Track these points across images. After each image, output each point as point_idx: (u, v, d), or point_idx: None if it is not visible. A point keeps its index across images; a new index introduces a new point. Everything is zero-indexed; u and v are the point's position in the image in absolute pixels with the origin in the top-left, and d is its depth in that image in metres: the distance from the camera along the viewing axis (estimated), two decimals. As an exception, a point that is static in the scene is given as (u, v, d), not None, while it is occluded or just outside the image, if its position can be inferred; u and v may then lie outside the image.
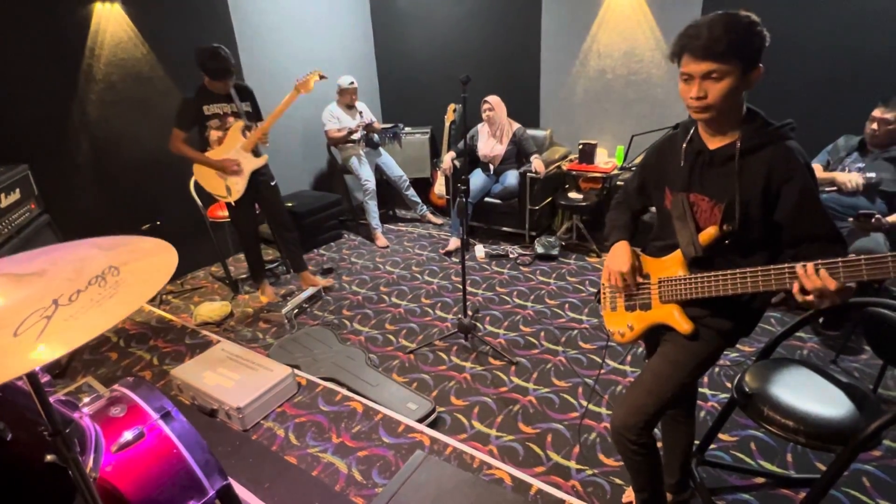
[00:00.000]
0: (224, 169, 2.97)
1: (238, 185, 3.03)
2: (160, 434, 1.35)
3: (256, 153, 3.08)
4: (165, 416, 1.39)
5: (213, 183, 3.06)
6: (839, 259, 1.02)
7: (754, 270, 1.16)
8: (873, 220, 2.42)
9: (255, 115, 3.11)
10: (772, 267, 1.13)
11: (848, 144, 2.74)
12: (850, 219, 2.50)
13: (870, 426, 1.27)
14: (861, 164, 2.62)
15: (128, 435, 1.30)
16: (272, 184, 3.21)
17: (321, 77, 3.08)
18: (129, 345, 2.98)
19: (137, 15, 3.33)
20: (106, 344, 3.00)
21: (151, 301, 3.52)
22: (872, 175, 2.55)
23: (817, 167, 2.79)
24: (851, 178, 2.57)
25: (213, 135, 2.98)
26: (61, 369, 2.73)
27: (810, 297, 1.06)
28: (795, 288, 1.08)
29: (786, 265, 1.10)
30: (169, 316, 3.30)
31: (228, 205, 3.11)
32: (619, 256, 1.46)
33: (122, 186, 3.45)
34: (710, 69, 1.12)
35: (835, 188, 2.63)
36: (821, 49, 3.23)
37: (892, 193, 2.54)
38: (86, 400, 1.42)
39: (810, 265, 1.05)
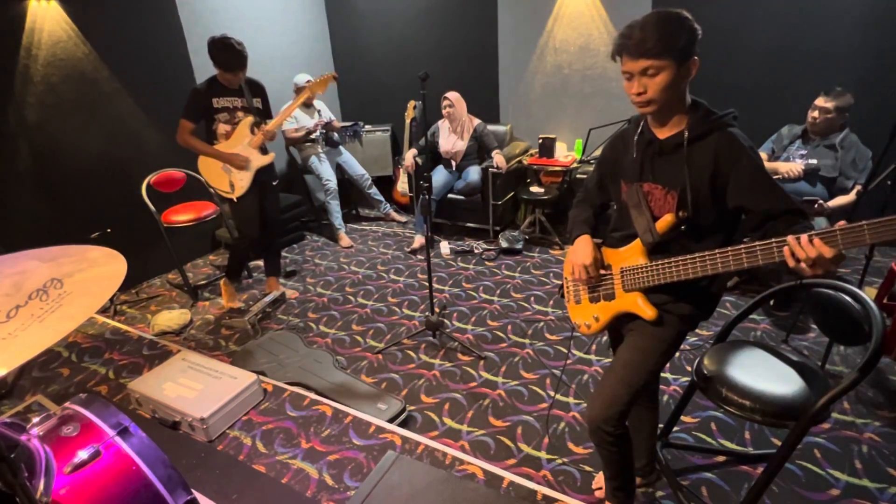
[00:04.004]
0: (231, 163, 2.89)
1: (242, 182, 2.94)
2: (118, 451, 1.29)
3: (264, 151, 3.00)
4: (123, 431, 1.33)
5: (217, 178, 2.97)
6: (835, 228, 1.02)
7: (736, 249, 1.16)
8: (816, 205, 2.55)
9: (265, 112, 3.03)
10: (757, 243, 1.13)
11: (791, 133, 2.87)
12: (795, 205, 2.62)
13: (819, 401, 1.33)
14: (803, 152, 2.76)
15: (82, 454, 1.24)
16: (274, 183, 3.14)
17: (335, 79, 3.05)
18: (81, 359, 2.84)
19: (76, 13, 3.16)
20: (56, 359, 2.85)
21: (105, 312, 3.37)
22: (814, 162, 2.69)
23: (762, 156, 2.91)
24: (791, 167, 2.70)
25: (221, 128, 2.89)
26: (7, 389, 2.58)
27: (802, 265, 1.06)
28: (787, 253, 1.07)
29: (773, 240, 1.10)
30: (124, 327, 3.17)
31: (231, 202, 3.02)
32: (581, 250, 1.49)
33: (68, 194, 3.28)
34: (645, 66, 1.18)
35: (778, 177, 2.75)
36: (765, 44, 3.37)
37: (832, 179, 2.68)
38: (35, 420, 1.35)
39: (804, 236, 1.04)
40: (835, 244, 1.01)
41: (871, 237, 0.98)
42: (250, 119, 2.92)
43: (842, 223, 1.02)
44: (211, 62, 2.74)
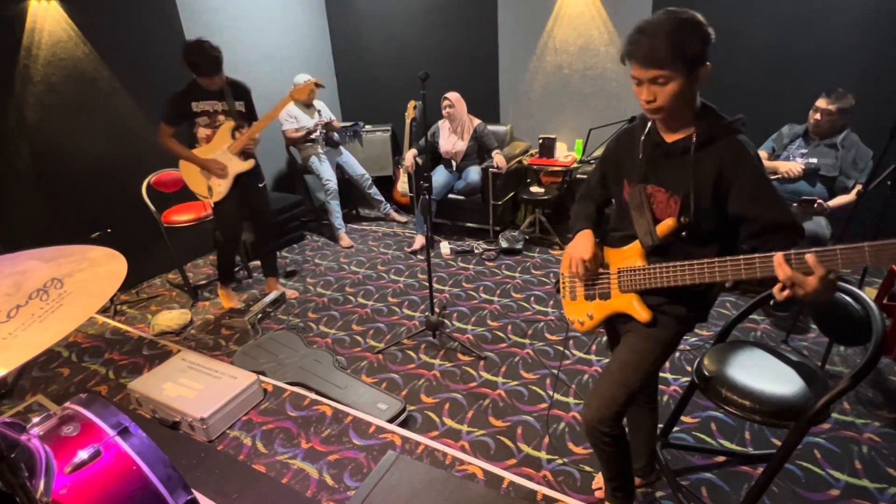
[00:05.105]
0: (208, 169, 2.87)
1: (221, 187, 2.92)
2: (118, 451, 1.29)
3: (246, 155, 2.96)
4: (123, 431, 1.33)
5: (196, 181, 2.96)
6: (837, 247, 0.98)
7: (735, 259, 1.15)
8: (815, 205, 2.55)
9: (248, 115, 2.97)
10: (756, 256, 1.11)
11: (791, 132, 2.87)
12: (794, 204, 2.63)
13: (819, 401, 1.33)
14: (804, 151, 2.75)
15: (82, 454, 1.24)
16: (260, 185, 3.11)
17: (317, 85, 3.01)
18: (81, 359, 2.85)
19: (77, 13, 3.16)
20: (56, 359, 2.85)
21: (105, 312, 3.37)
22: (814, 161, 2.69)
23: (763, 154, 2.91)
24: (791, 167, 2.70)
25: (202, 132, 2.87)
26: (7, 388, 2.58)
27: (786, 293, 1.05)
28: (781, 275, 1.05)
29: (771, 254, 1.07)
30: (124, 327, 3.17)
31: (214, 203, 3.01)
32: (581, 244, 1.48)
33: (68, 194, 3.28)
34: (655, 75, 1.15)
35: (778, 176, 2.75)
36: (765, 44, 3.37)
37: (832, 178, 2.67)
38: (35, 420, 1.35)
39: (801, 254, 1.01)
40: (833, 262, 0.99)
41: (872, 260, 0.94)
42: (231, 123, 2.88)
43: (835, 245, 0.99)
44: (187, 66, 2.68)
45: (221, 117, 2.88)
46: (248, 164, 2.97)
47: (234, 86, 2.91)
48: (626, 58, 1.20)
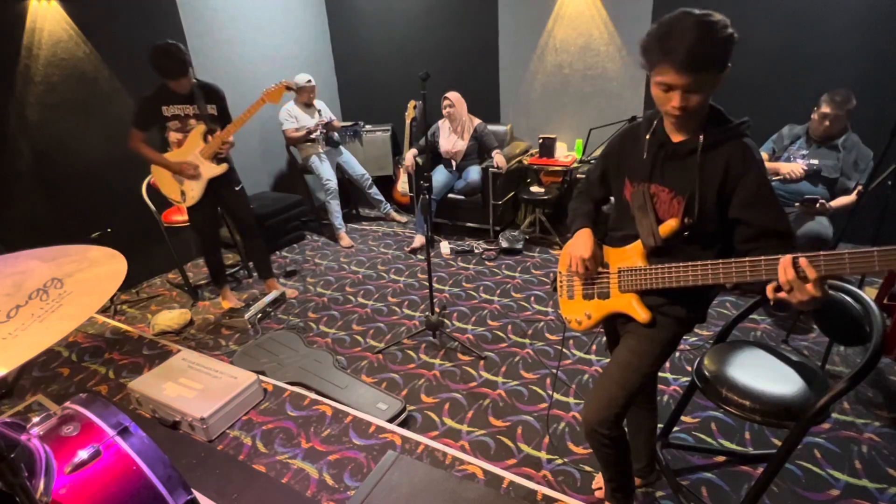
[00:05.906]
0: (180, 172, 2.85)
1: (194, 192, 2.90)
2: (118, 451, 1.29)
3: (220, 159, 2.92)
4: (123, 431, 1.33)
5: (168, 186, 2.94)
6: (845, 252, 0.98)
7: (740, 262, 1.14)
8: (817, 205, 2.54)
9: (221, 119, 2.92)
10: (762, 258, 1.10)
11: (792, 133, 2.87)
12: (796, 204, 2.63)
13: (819, 401, 1.33)
14: (804, 152, 2.75)
15: (82, 454, 1.24)
16: (237, 188, 3.07)
17: (288, 88, 2.97)
18: (82, 359, 2.85)
19: (77, 13, 3.16)
20: (56, 359, 2.85)
21: (105, 312, 3.37)
22: (815, 162, 2.68)
23: (763, 155, 2.91)
24: (793, 168, 2.70)
25: (173, 136, 2.84)
26: (7, 388, 2.58)
27: (782, 294, 1.05)
28: (782, 278, 1.05)
29: (777, 257, 1.07)
30: (125, 327, 3.17)
31: (188, 208, 2.99)
32: (581, 242, 1.47)
33: (68, 193, 3.28)
34: (690, 81, 1.11)
35: (780, 177, 2.75)
36: (765, 44, 3.37)
37: (833, 179, 2.67)
38: (35, 420, 1.34)
39: (803, 258, 1.02)
40: (842, 268, 0.99)
41: (882, 265, 0.95)
42: (202, 127, 2.83)
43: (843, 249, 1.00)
44: (154, 69, 2.63)
45: (193, 121, 2.83)
46: (220, 169, 2.91)
47: (205, 89, 2.86)
48: (657, 62, 1.13)
